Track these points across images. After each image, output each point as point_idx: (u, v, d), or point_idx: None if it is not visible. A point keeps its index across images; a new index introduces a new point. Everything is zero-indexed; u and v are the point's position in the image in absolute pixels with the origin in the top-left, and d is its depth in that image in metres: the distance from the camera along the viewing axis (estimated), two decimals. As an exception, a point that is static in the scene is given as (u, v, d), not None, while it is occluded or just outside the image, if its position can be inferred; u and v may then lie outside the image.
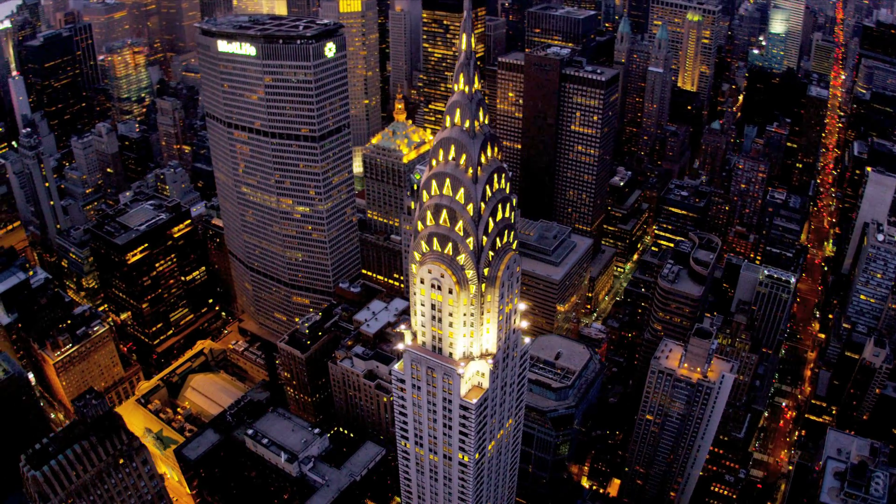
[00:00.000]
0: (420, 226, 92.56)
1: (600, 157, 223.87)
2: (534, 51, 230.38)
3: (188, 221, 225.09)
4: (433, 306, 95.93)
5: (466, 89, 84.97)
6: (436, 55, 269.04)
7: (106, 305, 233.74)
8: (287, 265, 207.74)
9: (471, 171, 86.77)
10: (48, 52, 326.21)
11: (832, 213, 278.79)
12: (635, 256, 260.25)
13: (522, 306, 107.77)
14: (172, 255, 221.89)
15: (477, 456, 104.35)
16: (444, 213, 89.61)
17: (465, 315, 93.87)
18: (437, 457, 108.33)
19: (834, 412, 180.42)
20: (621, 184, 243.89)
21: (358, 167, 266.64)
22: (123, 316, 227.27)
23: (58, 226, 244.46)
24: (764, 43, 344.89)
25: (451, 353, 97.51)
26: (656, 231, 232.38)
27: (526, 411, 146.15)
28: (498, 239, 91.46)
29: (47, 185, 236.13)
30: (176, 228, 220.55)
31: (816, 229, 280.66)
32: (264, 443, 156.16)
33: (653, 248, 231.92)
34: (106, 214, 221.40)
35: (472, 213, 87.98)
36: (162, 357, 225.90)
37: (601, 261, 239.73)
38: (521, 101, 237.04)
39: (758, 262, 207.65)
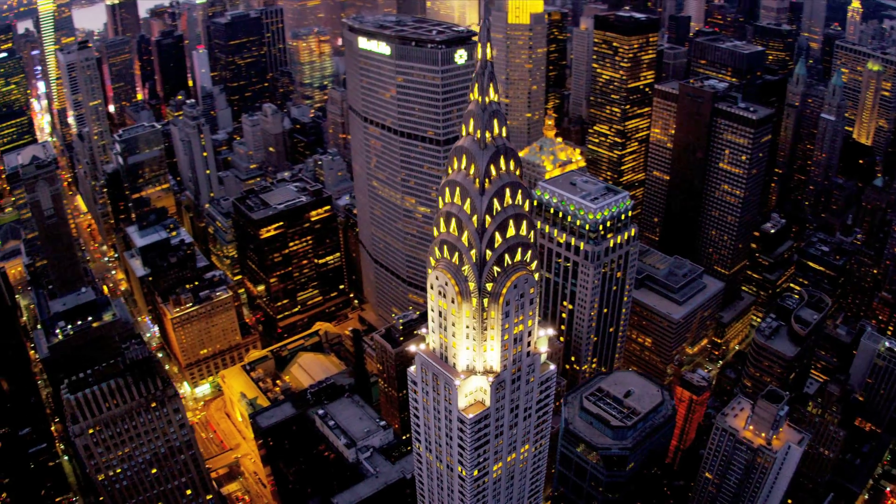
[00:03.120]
0: (435, 231, 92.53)
1: (745, 199, 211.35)
2: (691, 81, 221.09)
3: (328, 207, 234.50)
4: (440, 313, 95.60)
5: (480, 99, 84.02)
6: (604, 76, 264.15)
7: (241, 275, 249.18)
8: (406, 262, 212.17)
9: (478, 182, 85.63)
10: (234, 31, 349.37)
11: None
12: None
13: (550, 331, 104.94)
14: (308, 238, 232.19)
15: (475, 473, 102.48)
16: (454, 222, 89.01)
17: (467, 327, 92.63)
18: (442, 465, 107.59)
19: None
20: (772, 231, 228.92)
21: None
22: (260, 288, 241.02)
23: (211, 194, 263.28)
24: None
25: (454, 364, 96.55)
26: (791, 285, 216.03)
27: (580, 445, 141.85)
28: (508, 256, 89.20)
29: (205, 154, 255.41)
30: (315, 212, 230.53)
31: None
32: (330, 424, 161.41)
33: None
34: (251, 190, 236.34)
35: (476, 225, 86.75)
36: (285, 332, 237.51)
37: (737, 308, 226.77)
38: (672, 132, 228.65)
39: (889, 333, 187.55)
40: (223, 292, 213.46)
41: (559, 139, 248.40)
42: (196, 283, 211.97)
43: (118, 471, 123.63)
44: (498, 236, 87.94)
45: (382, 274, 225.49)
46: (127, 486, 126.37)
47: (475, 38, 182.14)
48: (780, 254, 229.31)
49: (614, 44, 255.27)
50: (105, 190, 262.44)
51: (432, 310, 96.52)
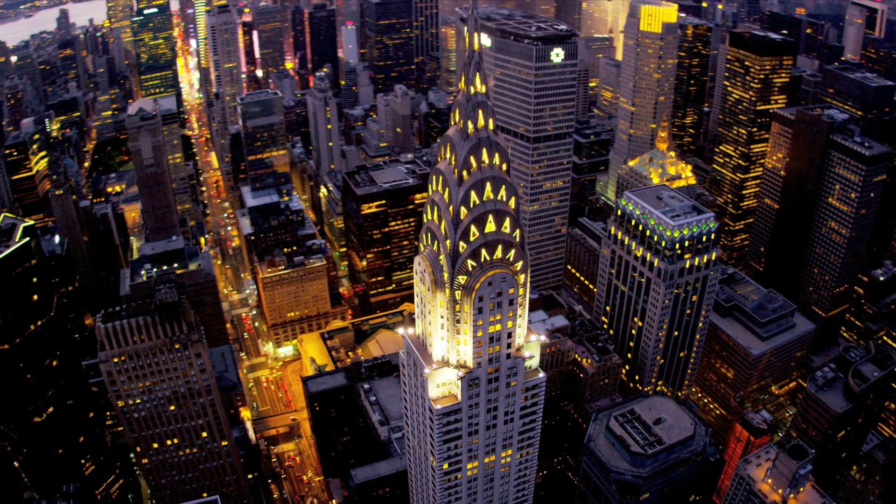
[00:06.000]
0: (424, 218, 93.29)
1: (851, 240, 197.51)
2: (817, 110, 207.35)
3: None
4: (421, 300, 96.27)
5: (466, 89, 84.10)
6: (734, 95, 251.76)
7: (347, 248, 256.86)
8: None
9: (457, 172, 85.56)
10: (384, 11, 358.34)
11: None
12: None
13: (543, 338, 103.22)
14: (411, 219, 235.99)
15: (446, 466, 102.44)
16: (435, 210, 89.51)
17: (441, 317, 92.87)
18: (421, 451, 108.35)
19: None
20: (881, 279, 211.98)
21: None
22: (363, 263, 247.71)
23: (332, 166, 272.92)
24: None
25: (431, 353, 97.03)
26: (884, 337, 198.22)
27: (596, 466, 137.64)
28: (486, 251, 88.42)
29: (329, 127, 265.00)
30: (419, 195, 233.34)
31: None
32: (371, 400, 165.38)
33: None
34: (363, 166, 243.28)
35: (451, 215, 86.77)
36: (377, 308, 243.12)
37: (831, 354, 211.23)
38: (786, 159, 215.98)
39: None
40: (318, 260, 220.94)
41: (672, 153, 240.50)
42: (294, 247, 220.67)
43: (137, 401, 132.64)
44: (474, 230, 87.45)
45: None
46: (145, 417, 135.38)
47: (573, 39, 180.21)
48: (887, 304, 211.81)
49: (746, 62, 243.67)
50: (229, 149, 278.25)
51: (416, 295, 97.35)
